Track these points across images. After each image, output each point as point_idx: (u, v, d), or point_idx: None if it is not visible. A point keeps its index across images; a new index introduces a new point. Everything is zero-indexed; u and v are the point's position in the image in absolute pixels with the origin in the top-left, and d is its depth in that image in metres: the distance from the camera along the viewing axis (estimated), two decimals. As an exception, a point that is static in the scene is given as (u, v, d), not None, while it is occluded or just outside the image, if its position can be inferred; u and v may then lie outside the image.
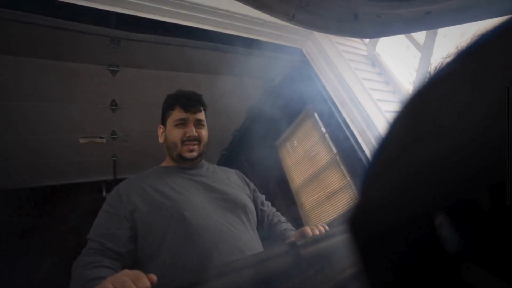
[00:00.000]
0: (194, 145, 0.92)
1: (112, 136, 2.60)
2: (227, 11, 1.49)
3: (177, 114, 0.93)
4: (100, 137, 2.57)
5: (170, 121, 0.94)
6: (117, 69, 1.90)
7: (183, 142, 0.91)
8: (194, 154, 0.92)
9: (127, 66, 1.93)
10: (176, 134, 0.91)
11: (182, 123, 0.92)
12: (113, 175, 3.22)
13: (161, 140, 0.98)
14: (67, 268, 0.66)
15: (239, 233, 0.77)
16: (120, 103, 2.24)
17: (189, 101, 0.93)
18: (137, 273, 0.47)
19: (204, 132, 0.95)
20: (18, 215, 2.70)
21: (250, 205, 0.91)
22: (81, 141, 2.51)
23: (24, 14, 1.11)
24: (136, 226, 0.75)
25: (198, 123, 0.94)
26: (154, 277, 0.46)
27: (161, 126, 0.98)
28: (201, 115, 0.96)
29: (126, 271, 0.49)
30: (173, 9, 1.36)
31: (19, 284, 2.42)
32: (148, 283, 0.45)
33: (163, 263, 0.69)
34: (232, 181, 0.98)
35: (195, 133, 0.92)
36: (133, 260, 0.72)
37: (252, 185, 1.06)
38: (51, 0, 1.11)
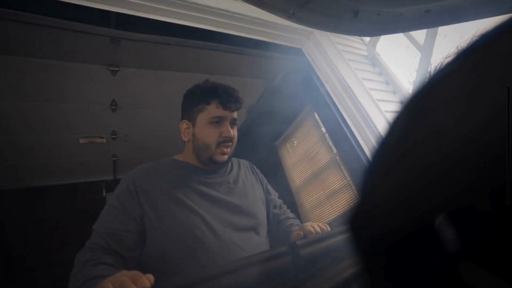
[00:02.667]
0: (227, 147, 0.83)
1: (112, 136, 2.60)
2: (227, 11, 1.49)
3: (214, 110, 0.81)
4: (100, 137, 2.57)
5: (202, 117, 0.82)
6: (117, 69, 1.90)
7: (218, 144, 0.81)
8: (226, 157, 0.83)
9: (127, 66, 1.92)
10: (211, 134, 0.81)
11: (218, 121, 0.82)
12: (113, 175, 3.22)
13: (185, 138, 0.86)
14: (67, 268, 0.66)
15: (250, 252, 0.74)
16: (120, 103, 2.24)
17: (231, 97, 0.83)
18: (136, 273, 0.47)
19: (236, 133, 0.87)
20: (18, 215, 2.70)
21: (262, 219, 0.87)
22: (81, 141, 2.51)
23: (24, 14, 1.11)
24: (144, 233, 0.72)
25: (233, 122, 0.86)
26: (152, 277, 0.46)
27: (185, 121, 0.86)
28: (236, 114, 0.87)
29: (125, 271, 0.49)
30: (173, 9, 1.36)
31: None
32: (147, 283, 0.45)
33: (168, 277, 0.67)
34: (247, 184, 0.92)
35: (231, 134, 0.82)
36: (137, 265, 0.70)
37: (265, 181, 1.02)
38: (51, 0, 1.11)
